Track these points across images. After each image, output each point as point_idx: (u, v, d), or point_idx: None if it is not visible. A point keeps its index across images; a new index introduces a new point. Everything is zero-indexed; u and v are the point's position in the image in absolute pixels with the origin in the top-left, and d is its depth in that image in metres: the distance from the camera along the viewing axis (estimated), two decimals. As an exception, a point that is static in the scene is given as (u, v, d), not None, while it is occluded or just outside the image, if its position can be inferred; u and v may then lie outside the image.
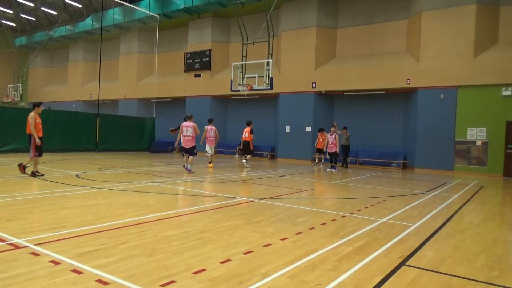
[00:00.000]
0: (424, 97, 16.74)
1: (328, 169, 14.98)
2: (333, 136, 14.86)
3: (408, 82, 17.16)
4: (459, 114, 16.05)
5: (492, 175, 15.15)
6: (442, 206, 7.54)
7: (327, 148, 15.19)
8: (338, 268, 3.57)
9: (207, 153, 14.51)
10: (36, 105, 9.75)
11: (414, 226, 5.56)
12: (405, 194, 9.06)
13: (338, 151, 15.07)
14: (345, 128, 17.16)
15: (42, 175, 9.73)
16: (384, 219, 5.95)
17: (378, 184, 11.06)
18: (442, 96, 16.30)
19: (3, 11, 34.17)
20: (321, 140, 16.67)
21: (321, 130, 16.86)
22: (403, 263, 3.82)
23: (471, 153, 15.80)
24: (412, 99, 17.73)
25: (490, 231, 5.50)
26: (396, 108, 18.90)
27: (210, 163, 14.47)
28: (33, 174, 9.59)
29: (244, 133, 15.16)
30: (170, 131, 14.54)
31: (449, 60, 16.10)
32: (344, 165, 17.24)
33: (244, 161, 14.93)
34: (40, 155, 9.62)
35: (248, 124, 15.29)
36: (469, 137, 15.82)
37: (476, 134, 15.67)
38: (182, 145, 12.05)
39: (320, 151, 16.92)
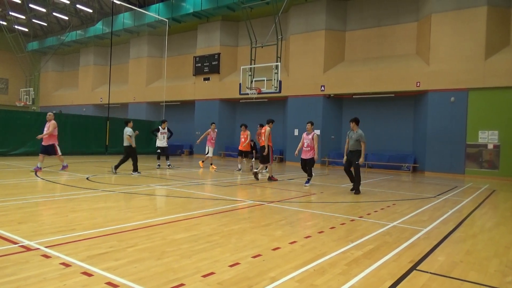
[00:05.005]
0: (434, 100, 16.57)
1: (304, 184, 10.59)
2: (310, 137, 10.44)
3: (418, 85, 17.01)
4: (470, 117, 15.85)
5: (505, 179, 14.91)
6: (453, 210, 7.43)
7: (301, 153, 10.57)
8: (347, 272, 3.54)
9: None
10: (270, 121, 11.96)
11: (425, 230, 5.49)
12: (415, 198, 8.96)
13: (317, 158, 10.48)
14: (353, 121, 9.57)
15: (276, 180, 11.51)
16: (394, 223, 5.88)
17: (388, 188, 10.96)
18: (452, 99, 16.13)
19: (16, 17, 34.82)
20: (242, 139, 14.16)
21: (242, 125, 14.49)
22: (413, 267, 3.77)
23: (483, 157, 15.59)
24: (422, 102, 17.56)
25: (502, 235, 5.41)
26: (406, 111, 18.75)
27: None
28: (269, 179, 11.40)
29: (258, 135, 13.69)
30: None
31: (459, 63, 15.93)
32: (354, 190, 9.51)
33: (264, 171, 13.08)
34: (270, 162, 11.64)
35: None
36: (480, 140, 15.61)
37: (488, 137, 15.46)
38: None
39: (242, 153, 14.40)
